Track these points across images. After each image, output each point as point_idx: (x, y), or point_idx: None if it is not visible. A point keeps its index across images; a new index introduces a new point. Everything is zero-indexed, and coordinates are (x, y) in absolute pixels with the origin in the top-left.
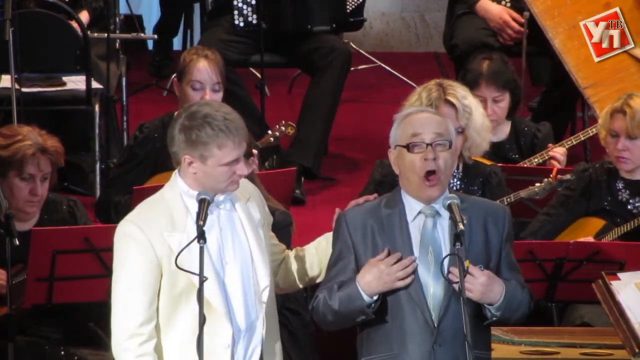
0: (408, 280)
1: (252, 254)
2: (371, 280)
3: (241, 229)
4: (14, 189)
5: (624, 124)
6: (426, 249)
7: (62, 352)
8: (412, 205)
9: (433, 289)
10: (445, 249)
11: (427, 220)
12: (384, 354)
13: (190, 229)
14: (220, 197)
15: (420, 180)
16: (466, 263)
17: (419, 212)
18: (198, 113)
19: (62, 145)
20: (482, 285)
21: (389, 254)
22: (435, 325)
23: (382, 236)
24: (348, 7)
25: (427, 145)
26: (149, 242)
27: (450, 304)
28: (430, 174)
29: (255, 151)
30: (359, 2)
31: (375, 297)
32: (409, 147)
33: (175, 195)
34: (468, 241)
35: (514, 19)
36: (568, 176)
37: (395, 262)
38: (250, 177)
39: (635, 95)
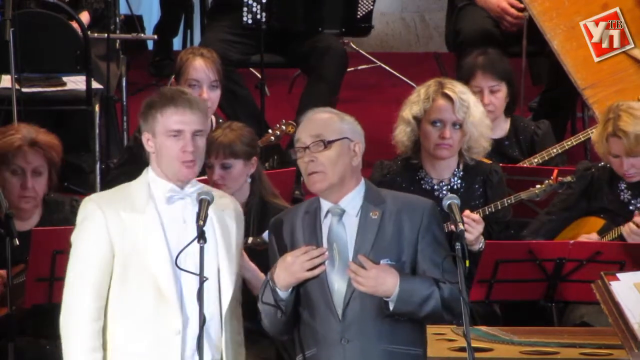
0: (316, 272)
1: (218, 255)
2: (279, 272)
3: (210, 228)
4: (6, 184)
5: (622, 147)
6: (331, 245)
7: (61, 351)
8: (324, 205)
9: (337, 285)
10: (350, 245)
11: (333, 219)
12: (306, 351)
13: (150, 212)
14: (188, 189)
15: (307, 178)
16: (466, 263)
17: (328, 211)
18: (156, 94)
19: (61, 144)
20: (373, 278)
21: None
22: (340, 319)
23: (300, 235)
24: (359, 12)
25: (305, 149)
26: (104, 221)
27: (353, 299)
28: (311, 174)
29: (255, 158)
30: (369, 9)
31: (289, 291)
32: (297, 153)
33: (141, 183)
34: (375, 235)
35: (513, 5)
36: (569, 178)
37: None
38: (258, 176)
39: (620, 111)
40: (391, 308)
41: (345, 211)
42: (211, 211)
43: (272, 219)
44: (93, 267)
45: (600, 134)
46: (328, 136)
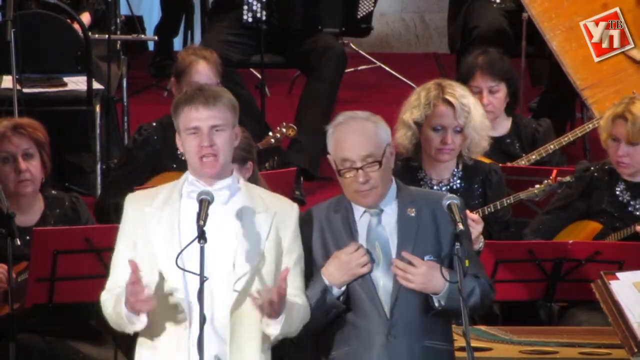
0: (370, 267)
1: (235, 253)
2: (333, 271)
3: (231, 225)
4: (1, 175)
5: (624, 130)
6: (373, 245)
7: (67, 348)
8: (357, 205)
9: (383, 282)
10: (392, 243)
11: (371, 219)
12: (342, 349)
13: (170, 208)
14: (216, 185)
15: (355, 194)
16: (466, 262)
17: (364, 211)
18: (181, 93)
19: (63, 144)
20: (422, 275)
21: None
22: (388, 317)
23: (332, 236)
24: (359, 13)
25: (358, 169)
26: (130, 217)
27: (400, 296)
28: (363, 191)
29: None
30: (369, 10)
31: (343, 289)
32: (340, 173)
33: (178, 180)
34: (416, 232)
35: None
36: (568, 178)
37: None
38: (254, 181)
39: (636, 99)
40: (438, 304)
41: (383, 210)
42: (239, 209)
43: (300, 218)
44: (120, 260)
45: (608, 116)
46: (378, 153)
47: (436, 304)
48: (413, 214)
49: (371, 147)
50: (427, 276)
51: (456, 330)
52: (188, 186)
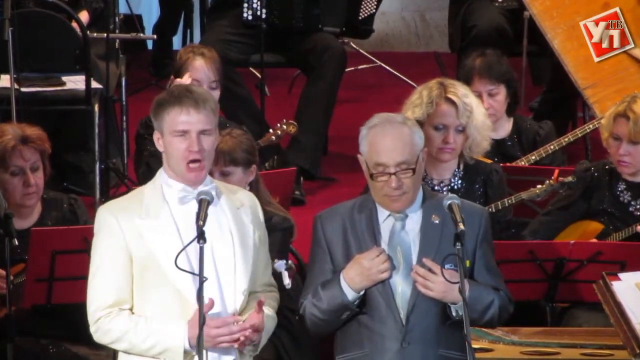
0: (390, 272)
1: (234, 253)
2: (354, 276)
3: (227, 225)
4: (7, 186)
5: (626, 129)
6: (394, 249)
7: (64, 352)
8: (382, 208)
9: (401, 288)
10: (415, 249)
11: (395, 223)
12: (355, 352)
13: (164, 216)
14: (201, 188)
15: (385, 198)
16: (467, 263)
17: (389, 215)
18: (165, 92)
19: (61, 144)
20: (443, 283)
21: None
22: (404, 323)
23: (354, 236)
24: (361, 14)
25: (391, 175)
26: (118, 228)
27: (417, 303)
28: (394, 196)
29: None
30: (371, 12)
31: (361, 293)
32: (372, 176)
33: (154, 186)
34: (439, 239)
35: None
36: (569, 178)
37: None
38: (255, 184)
39: (638, 98)
40: (456, 314)
41: (408, 216)
42: (227, 208)
43: (320, 213)
44: (110, 274)
45: (610, 115)
46: (412, 160)
47: (454, 314)
48: (437, 222)
49: (407, 154)
50: (448, 285)
51: None
52: (178, 192)
